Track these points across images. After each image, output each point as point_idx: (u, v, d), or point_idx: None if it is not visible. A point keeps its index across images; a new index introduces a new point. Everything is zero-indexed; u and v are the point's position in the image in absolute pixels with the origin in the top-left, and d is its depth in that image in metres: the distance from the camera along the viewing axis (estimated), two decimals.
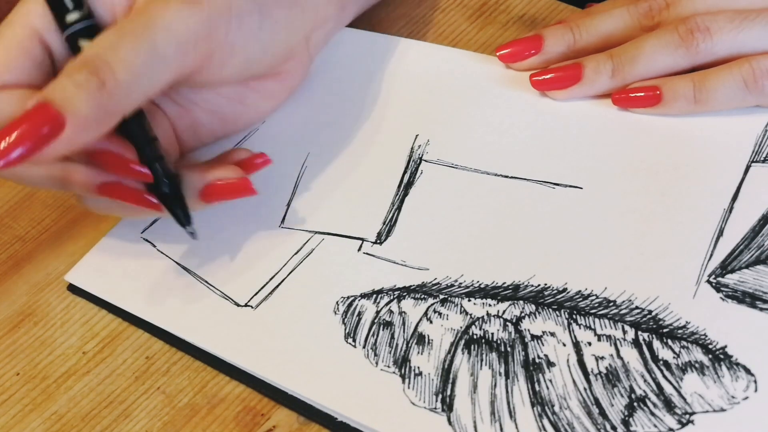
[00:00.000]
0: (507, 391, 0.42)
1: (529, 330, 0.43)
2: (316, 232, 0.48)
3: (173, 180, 0.45)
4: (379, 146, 0.52)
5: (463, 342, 0.43)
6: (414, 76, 0.54)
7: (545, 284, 0.45)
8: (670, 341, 0.42)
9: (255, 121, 0.53)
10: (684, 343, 0.42)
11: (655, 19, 0.50)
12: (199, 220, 0.49)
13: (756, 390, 0.40)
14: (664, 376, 0.41)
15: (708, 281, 0.44)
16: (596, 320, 0.43)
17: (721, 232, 0.45)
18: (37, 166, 0.44)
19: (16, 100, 0.43)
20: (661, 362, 0.42)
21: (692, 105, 0.49)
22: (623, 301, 0.44)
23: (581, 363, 0.42)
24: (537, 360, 0.42)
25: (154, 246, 0.49)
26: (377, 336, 0.44)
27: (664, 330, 0.42)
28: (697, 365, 0.41)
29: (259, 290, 0.47)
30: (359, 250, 0.48)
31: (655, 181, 0.47)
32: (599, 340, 0.43)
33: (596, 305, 0.44)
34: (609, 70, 0.50)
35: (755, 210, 0.46)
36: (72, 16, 0.44)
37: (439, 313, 0.45)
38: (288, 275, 0.47)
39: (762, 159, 0.48)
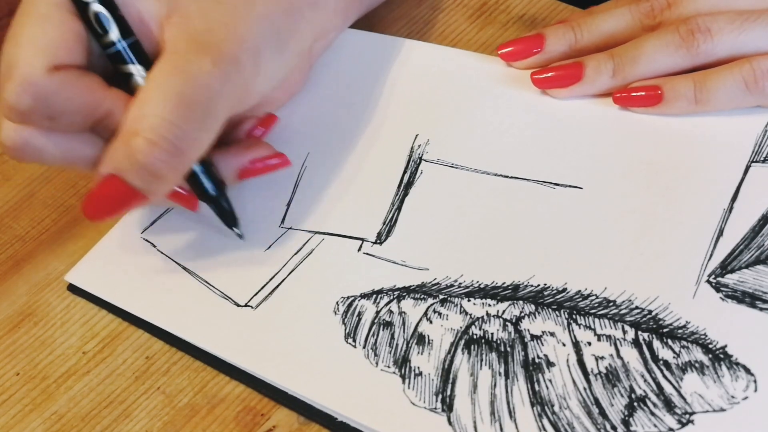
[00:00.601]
0: (507, 391, 0.42)
1: (528, 330, 0.43)
2: (316, 232, 0.48)
3: (220, 186, 0.47)
4: (379, 146, 0.52)
5: (463, 342, 0.43)
6: (414, 76, 0.54)
7: (545, 284, 0.45)
8: (670, 341, 0.42)
9: None
10: (684, 342, 0.42)
11: (657, 19, 0.50)
12: (199, 220, 0.49)
13: (756, 390, 0.40)
14: (664, 376, 0.41)
15: (708, 281, 0.44)
16: (596, 320, 0.43)
17: (721, 232, 0.45)
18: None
19: (73, 81, 0.43)
20: (661, 362, 0.42)
21: (693, 105, 0.49)
22: (623, 301, 0.44)
23: (581, 363, 0.42)
24: (537, 360, 0.42)
25: (154, 246, 0.49)
26: (377, 336, 0.44)
27: (664, 330, 0.42)
28: (697, 365, 0.41)
29: (259, 290, 0.47)
30: (359, 250, 0.47)
31: (655, 181, 0.47)
32: (599, 340, 0.43)
33: (596, 305, 0.44)
34: (610, 70, 0.50)
35: (755, 210, 0.46)
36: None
37: (439, 313, 0.45)
38: (288, 275, 0.47)
39: (762, 159, 0.48)
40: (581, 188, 0.48)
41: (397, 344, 0.44)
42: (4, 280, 0.50)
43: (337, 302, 0.46)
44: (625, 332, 0.43)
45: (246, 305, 0.46)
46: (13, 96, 0.42)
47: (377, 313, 0.45)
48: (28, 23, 0.43)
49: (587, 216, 0.47)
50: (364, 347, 0.44)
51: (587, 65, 0.50)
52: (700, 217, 0.46)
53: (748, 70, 0.48)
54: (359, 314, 0.45)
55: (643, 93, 0.50)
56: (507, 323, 0.44)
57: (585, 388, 0.41)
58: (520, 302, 0.44)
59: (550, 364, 0.42)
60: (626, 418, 0.40)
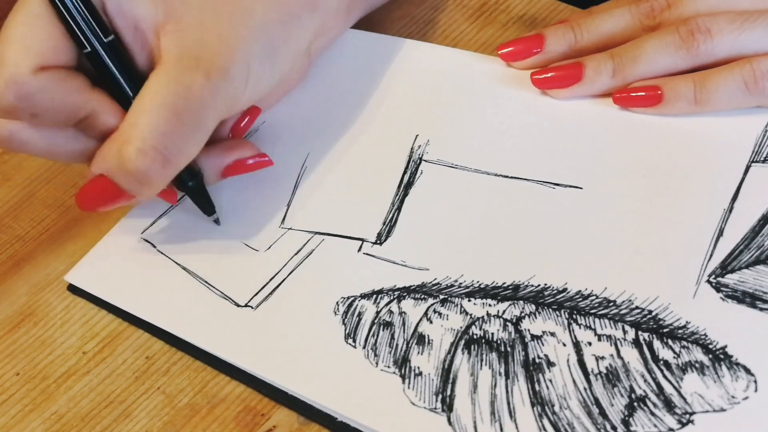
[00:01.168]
0: (507, 391, 0.42)
1: (529, 330, 0.43)
2: (316, 233, 0.48)
3: (197, 177, 0.48)
4: (379, 146, 0.52)
5: (463, 342, 0.43)
6: (414, 76, 0.54)
7: (545, 284, 0.45)
8: (670, 341, 0.42)
9: None
10: (684, 343, 0.42)
11: (657, 19, 0.50)
12: (200, 220, 0.49)
13: (756, 390, 0.40)
14: (664, 376, 0.41)
15: (708, 281, 0.44)
16: (596, 320, 0.43)
17: (721, 232, 0.45)
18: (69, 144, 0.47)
19: (58, 82, 0.44)
20: (662, 362, 0.42)
21: (693, 105, 0.49)
22: (623, 301, 0.44)
23: (581, 363, 0.42)
24: (537, 360, 0.42)
25: (154, 246, 0.49)
26: (377, 336, 0.44)
27: (664, 330, 0.42)
28: (697, 365, 0.41)
29: (260, 290, 0.47)
30: (359, 250, 0.47)
31: (655, 181, 0.47)
32: (599, 340, 0.43)
33: (596, 305, 0.44)
34: (610, 70, 0.50)
35: (755, 210, 0.46)
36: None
37: (439, 313, 0.45)
38: (288, 275, 0.47)
39: (762, 159, 0.48)
40: (581, 188, 0.48)
41: (397, 344, 0.44)
42: (4, 280, 0.50)
43: (337, 302, 0.46)
44: (625, 332, 0.43)
45: (246, 305, 0.46)
46: None
47: (377, 313, 0.45)
48: (19, 22, 0.44)
49: (587, 216, 0.47)
50: (364, 347, 0.44)
51: (587, 65, 0.50)
52: (700, 217, 0.46)
53: (748, 70, 0.48)
54: (359, 314, 0.45)
55: (643, 93, 0.50)
56: (507, 323, 0.44)
57: (585, 388, 0.41)
58: (521, 302, 0.44)
59: (550, 364, 0.42)
60: (626, 418, 0.40)
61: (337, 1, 0.52)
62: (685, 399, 0.40)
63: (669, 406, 0.40)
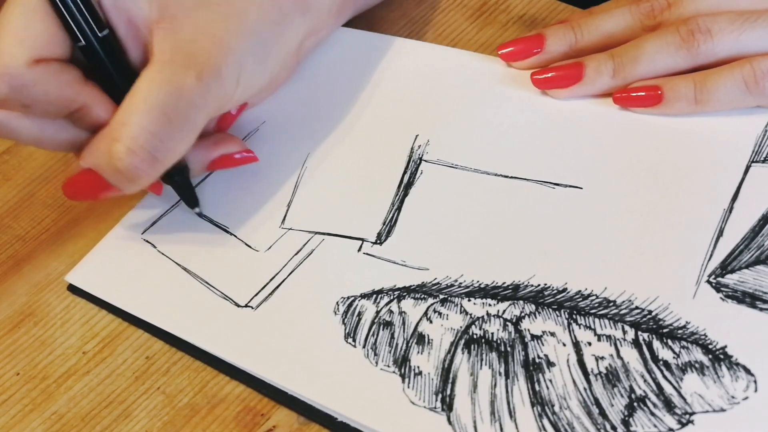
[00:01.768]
0: (507, 391, 0.42)
1: (529, 330, 0.43)
2: (316, 233, 0.48)
3: (183, 171, 0.48)
4: (379, 146, 0.52)
5: (463, 342, 0.43)
6: (414, 76, 0.54)
7: (545, 284, 0.45)
8: (670, 341, 0.42)
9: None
10: (684, 343, 0.42)
11: (657, 19, 0.50)
12: (200, 220, 0.49)
13: (756, 390, 0.40)
14: (664, 376, 0.41)
15: (708, 281, 0.44)
16: (596, 320, 0.43)
17: (721, 232, 0.45)
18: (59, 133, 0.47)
19: (51, 75, 0.44)
20: (661, 362, 0.42)
21: (693, 105, 0.49)
22: (623, 301, 0.44)
23: (581, 363, 0.42)
24: (537, 360, 0.42)
25: (155, 247, 0.49)
26: (377, 336, 0.44)
27: (664, 330, 0.42)
28: (697, 365, 0.41)
29: (260, 291, 0.47)
30: (359, 250, 0.47)
31: (655, 181, 0.47)
32: (599, 340, 0.43)
33: (596, 305, 0.44)
34: (610, 70, 0.50)
35: (755, 210, 0.46)
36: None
37: (439, 313, 0.45)
38: (288, 276, 0.47)
39: (762, 159, 0.48)
40: (581, 188, 0.48)
41: (397, 344, 0.44)
42: (4, 280, 0.50)
43: (337, 302, 0.46)
44: (625, 332, 0.43)
45: (246, 305, 0.46)
46: None
47: (377, 312, 0.45)
48: (15, 14, 0.44)
49: (587, 216, 0.47)
50: (364, 347, 0.44)
51: (587, 65, 0.50)
52: (700, 217, 0.46)
53: (748, 70, 0.48)
54: (359, 314, 0.45)
55: (643, 93, 0.50)
56: (507, 323, 0.44)
57: (585, 388, 0.41)
58: (521, 302, 0.44)
59: (550, 364, 0.42)
60: (626, 418, 0.40)
61: (328, 1, 0.52)
62: (684, 399, 0.40)
63: (669, 406, 0.40)
